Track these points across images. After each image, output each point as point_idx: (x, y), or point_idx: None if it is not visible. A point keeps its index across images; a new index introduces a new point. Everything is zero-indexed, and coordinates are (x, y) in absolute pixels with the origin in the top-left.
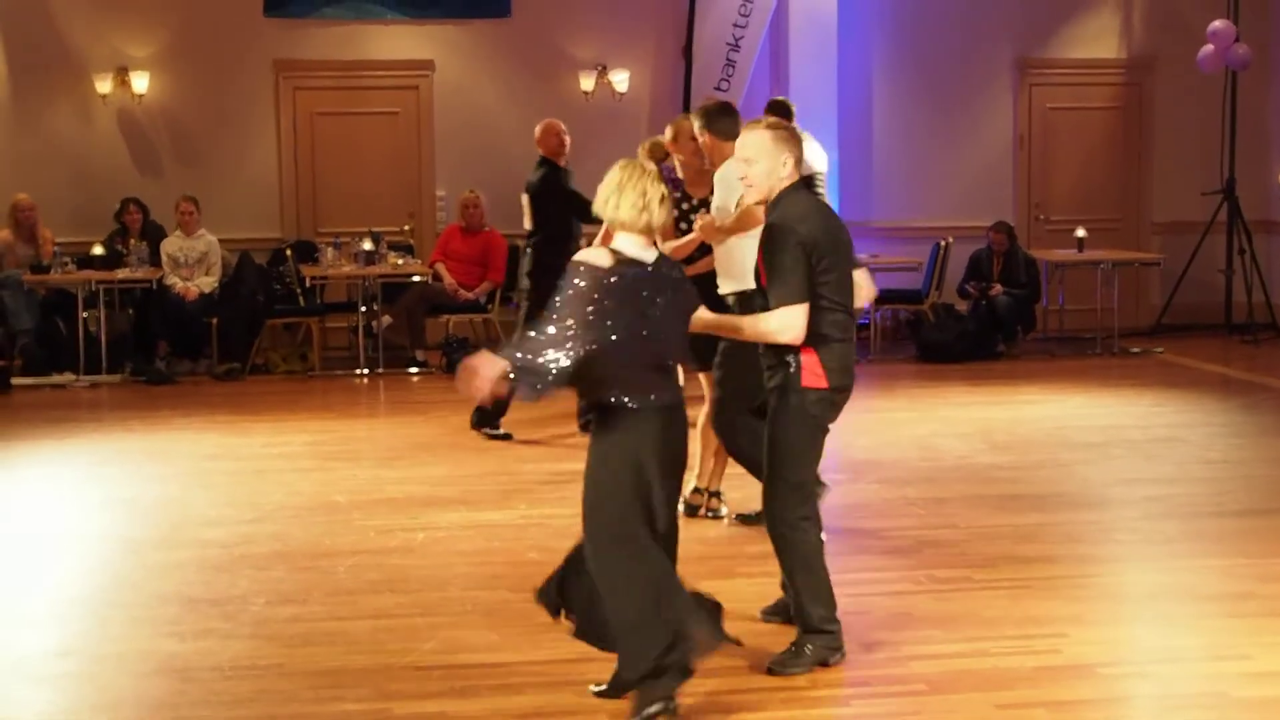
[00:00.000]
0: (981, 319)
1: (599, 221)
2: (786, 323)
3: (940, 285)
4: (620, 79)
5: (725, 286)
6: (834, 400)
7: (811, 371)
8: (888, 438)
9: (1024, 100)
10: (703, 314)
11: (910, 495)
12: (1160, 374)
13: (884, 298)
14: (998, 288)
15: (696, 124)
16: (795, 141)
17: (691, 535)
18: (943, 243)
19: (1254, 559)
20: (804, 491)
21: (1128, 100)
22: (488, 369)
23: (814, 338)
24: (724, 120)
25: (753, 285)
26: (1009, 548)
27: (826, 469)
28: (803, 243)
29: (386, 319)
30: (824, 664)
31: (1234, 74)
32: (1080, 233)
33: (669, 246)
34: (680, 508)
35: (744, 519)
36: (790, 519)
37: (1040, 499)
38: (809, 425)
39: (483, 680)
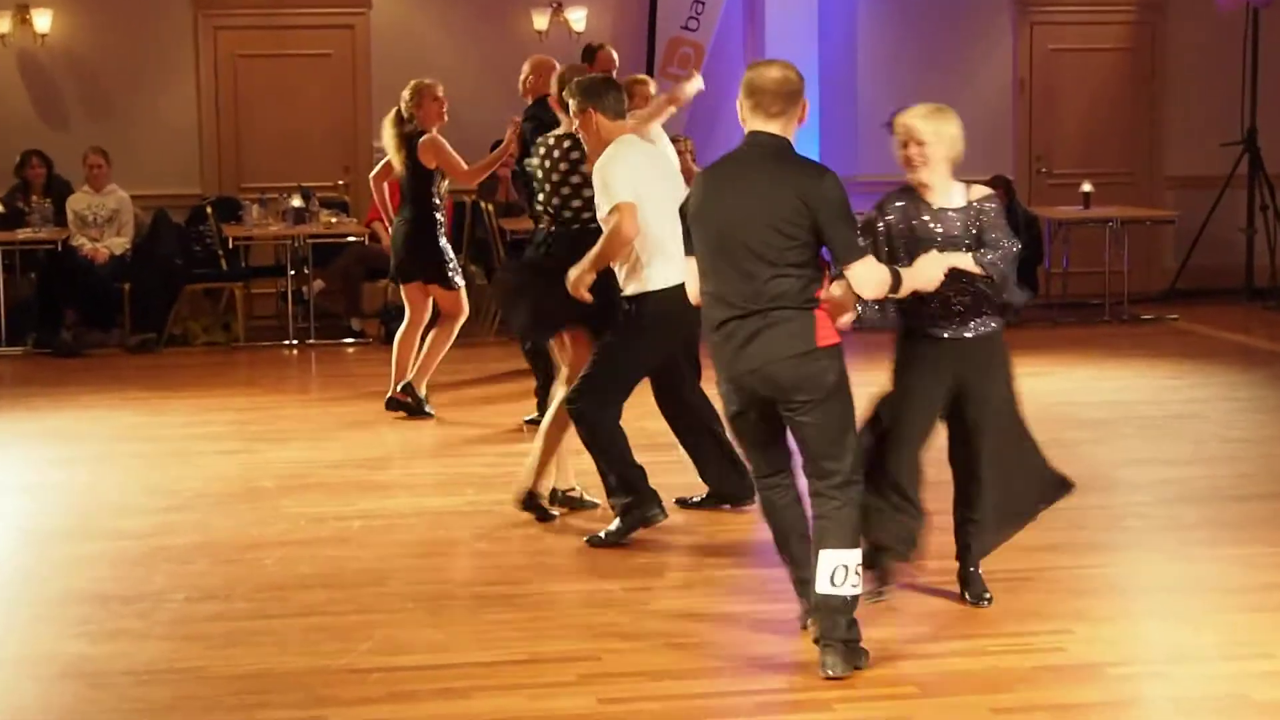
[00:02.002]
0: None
1: None
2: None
3: None
4: (577, 17)
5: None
6: None
7: None
8: None
9: (1024, 41)
10: None
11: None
12: (1175, 343)
13: None
14: None
15: (575, 99)
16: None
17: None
18: None
19: (1277, 547)
20: None
21: (1139, 41)
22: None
23: None
24: (612, 96)
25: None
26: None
27: None
28: None
29: (318, 284)
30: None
31: (1256, 12)
32: (1086, 187)
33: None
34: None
35: (685, 503)
36: None
37: None
38: None
39: (425, 684)
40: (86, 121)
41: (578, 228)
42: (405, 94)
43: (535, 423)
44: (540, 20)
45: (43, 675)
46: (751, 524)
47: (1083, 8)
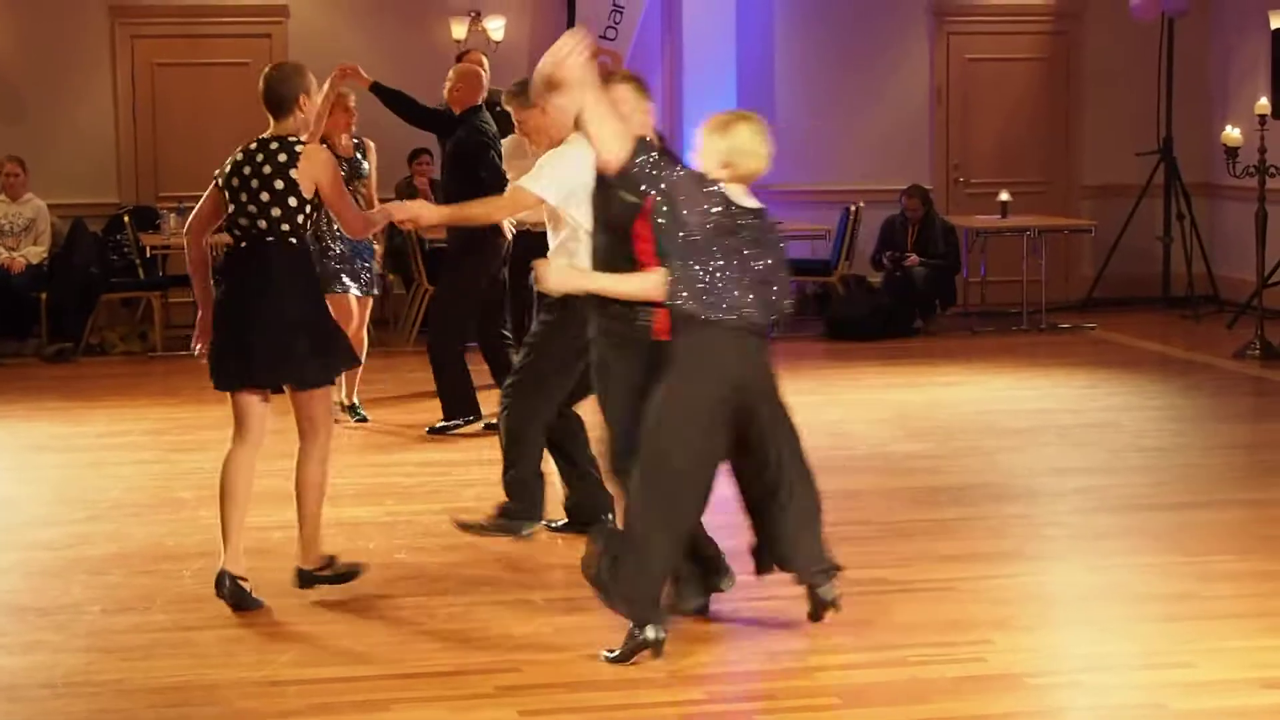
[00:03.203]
0: (896, 292)
1: None
2: None
3: (850, 255)
4: (496, 26)
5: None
6: None
7: None
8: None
9: (941, 50)
10: None
11: (818, 487)
12: (1092, 352)
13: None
14: (913, 258)
15: (524, 96)
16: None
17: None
18: (853, 208)
19: (1194, 556)
20: None
21: (1055, 50)
22: None
23: None
24: None
25: None
26: (927, 545)
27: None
28: None
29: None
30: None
31: (1171, 21)
32: (1004, 197)
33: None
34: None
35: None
36: None
37: (961, 491)
38: None
39: (345, 696)
40: (3, 130)
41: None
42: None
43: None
44: (459, 29)
45: None
46: None
47: (999, 18)
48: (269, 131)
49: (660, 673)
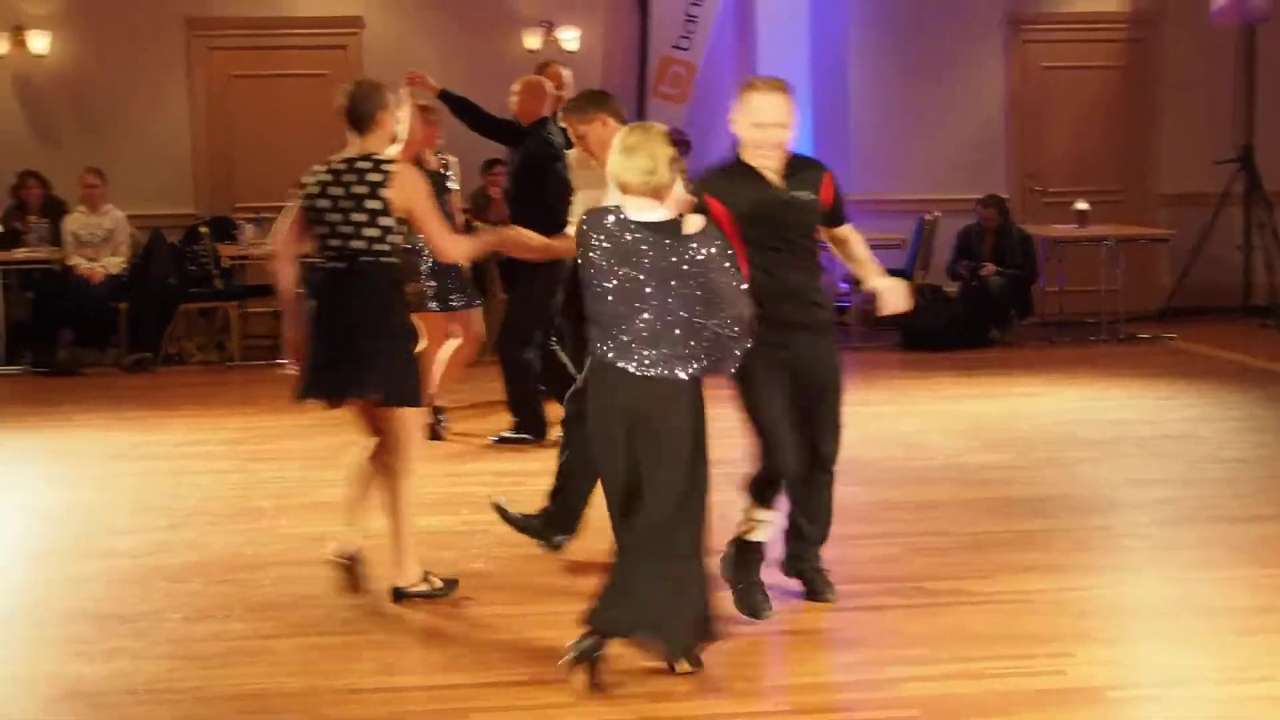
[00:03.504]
0: (972, 302)
1: None
2: None
3: (926, 265)
4: (569, 36)
5: None
6: None
7: None
8: (868, 434)
9: (1016, 59)
10: None
11: (895, 498)
12: (1171, 363)
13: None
14: (990, 267)
15: (582, 111)
16: None
17: None
18: (928, 218)
19: (1274, 569)
20: None
21: (1132, 58)
22: None
23: None
24: (615, 102)
25: None
26: (1006, 557)
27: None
28: None
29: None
30: None
31: (1251, 28)
32: (1081, 206)
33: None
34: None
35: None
36: None
37: (1040, 502)
38: None
39: (424, 704)
40: (82, 141)
41: (367, 260)
42: None
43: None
44: (532, 40)
45: (42, 695)
46: None
47: (1075, 25)
48: (353, 149)
49: (738, 683)
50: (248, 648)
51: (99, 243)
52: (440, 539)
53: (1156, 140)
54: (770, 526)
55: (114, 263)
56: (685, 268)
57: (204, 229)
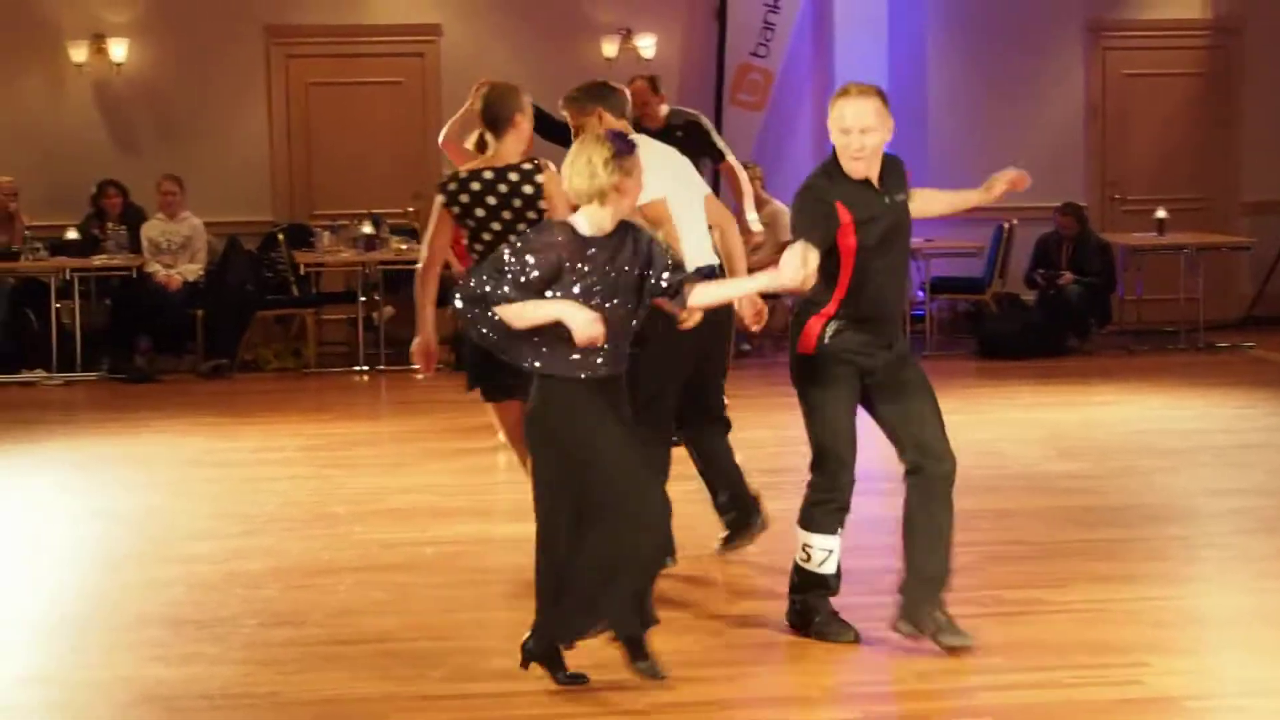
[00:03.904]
0: (1050, 310)
1: None
2: None
3: (1004, 273)
4: (646, 44)
5: None
6: None
7: None
8: None
9: (1096, 66)
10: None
11: (971, 507)
12: (1251, 372)
13: (941, 286)
14: (1068, 276)
15: (577, 104)
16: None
17: None
18: (1006, 225)
19: None
20: None
21: (1214, 65)
22: None
23: None
24: (616, 96)
25: None
26: (1083, 566)
27: (877, 476)
28: None
29: (389, 310)
30: None
31: None
32: (1160, 214)
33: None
34: None
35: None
36: None
37: (1116, 512)
38: None
39: (498, 711)
40: (161, 149)
41: None
42: None
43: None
44: (610, 48)
45: (118, 700)
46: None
47: (1157, 32)
48: (495, 156)
49: (812, 691)
50: (323, 653)
51: (176, 250)
52: (522, 546)
53: (1238, 148)
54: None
55: (191, 270)
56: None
57: (281, 236)
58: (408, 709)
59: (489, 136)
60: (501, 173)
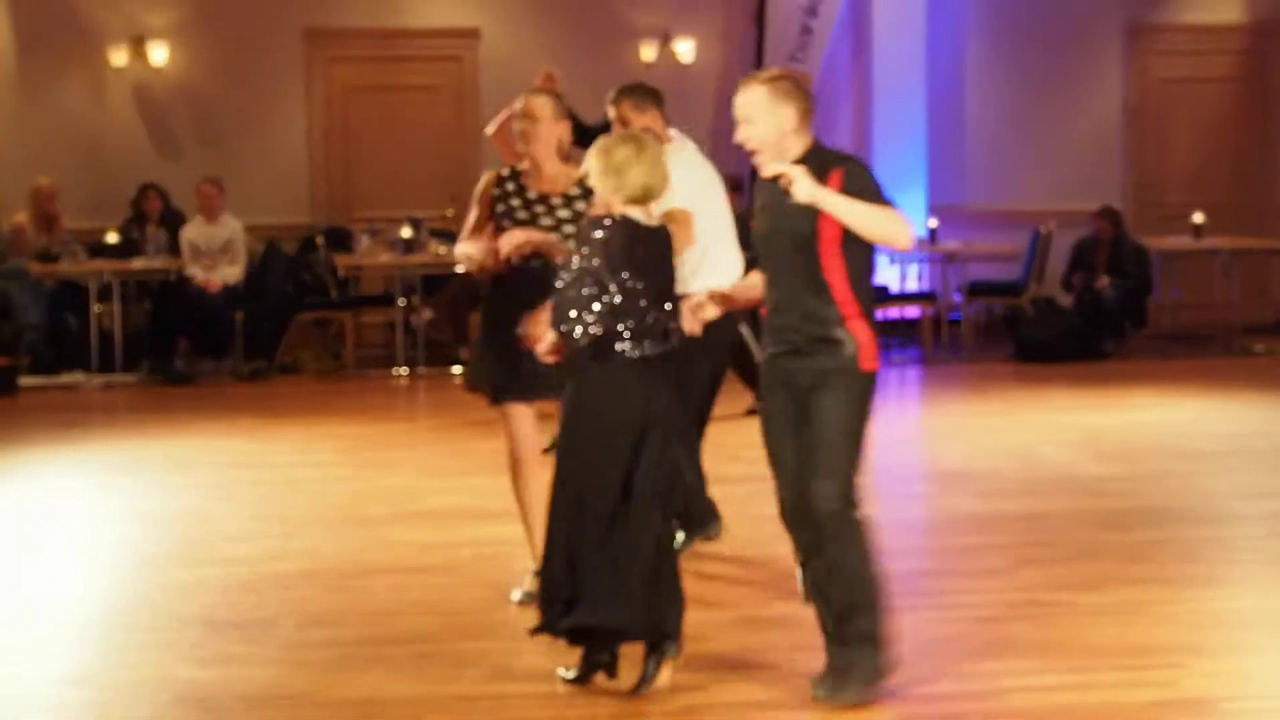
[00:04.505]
0: (1086, 314)
1: None
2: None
3: (1041, 276)
4: (685, 48)
5: None
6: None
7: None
8: (982, 446)
9: (1134, 71)
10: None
11: (1008, 510)
12: None
13: (978, 290)
14: (1104, 279)
15: (628, 103)
16: (801, 94)
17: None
18: (1043, 229)
19: None
20: None
21: (1251, 69)
22: None
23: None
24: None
25: None
26: (1118, 568)
27: (913, 479)
28: None
29: (427, 313)
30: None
31: None
32: (1197, 218)
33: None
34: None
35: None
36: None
37: (1152, 514)
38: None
39: (535, 712)
40: (200, 152)
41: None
42: None
43: None
44: (648, 52)
45: (156, 700)
46: None
47: (1193, 37)
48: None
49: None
50: (359, 655)
51: (216, 252)
52: None
53: (1274, 152)
54: None
55: (230, 273)
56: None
57: (320, 239)
58: (444, 710)
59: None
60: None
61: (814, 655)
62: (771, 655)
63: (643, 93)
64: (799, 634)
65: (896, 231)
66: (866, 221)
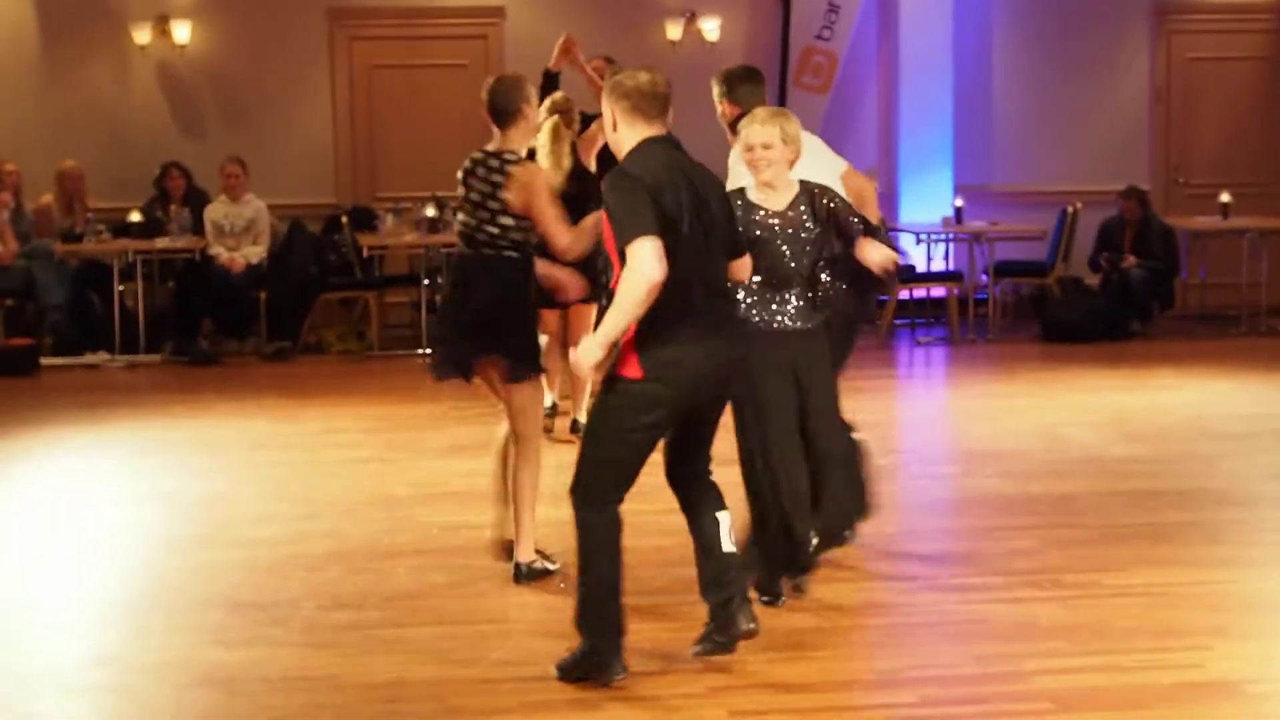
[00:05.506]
0: (1113, 295)
1: None
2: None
3: (1067, 257)
4: (711, 26)
5: None
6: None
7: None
8: (1008, 426)
9: (1162, 50)
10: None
11: (1034, 491)
12: None
13: (1005, 270)
14: (1131, 260)
15: (716, 90)
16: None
17: None
18: (1070, 209)
19: None
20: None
21: (1278, 49)
22: None
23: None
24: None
25: None
26: (1144, 550)
27: (939, 459)
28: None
29: (448, 284)
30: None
31: None
32: (1224, 198)
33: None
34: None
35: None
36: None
37: (1179, 495)
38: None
39: (558, 694)
40: (224, 131)
41: (490, 253)
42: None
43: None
44: (674, 30)
45: (180, 682)
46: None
47: (1222, 16)
48: (494, 143)
49: (869, 674)
50: (382, 637)
51: (240, 232)
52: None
53: None
54: None
55: (254, 252)
56: None
57: (344, 219)
58: (468, 691)
59: (494, 128)
60: (487, 156)
61: (837, 635)
62: (797, 638)
63: (742, 82)
64: (822, 617)
65: (635, 291)
66: (625, 312)
